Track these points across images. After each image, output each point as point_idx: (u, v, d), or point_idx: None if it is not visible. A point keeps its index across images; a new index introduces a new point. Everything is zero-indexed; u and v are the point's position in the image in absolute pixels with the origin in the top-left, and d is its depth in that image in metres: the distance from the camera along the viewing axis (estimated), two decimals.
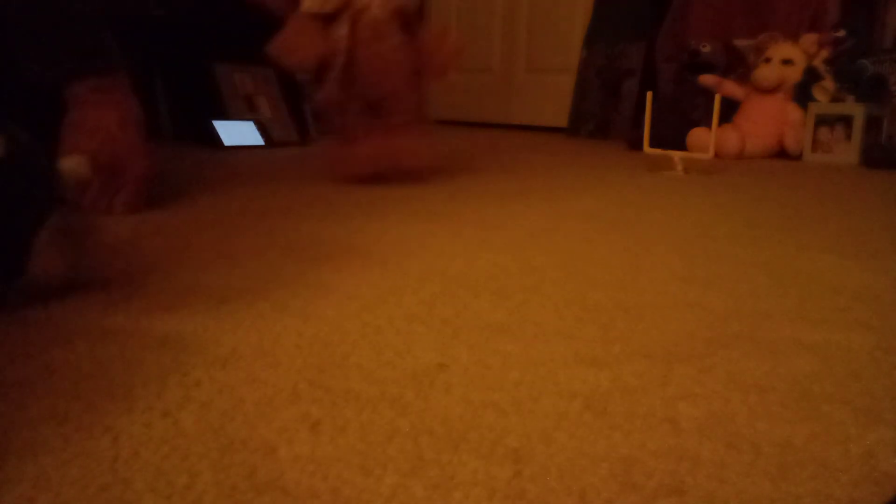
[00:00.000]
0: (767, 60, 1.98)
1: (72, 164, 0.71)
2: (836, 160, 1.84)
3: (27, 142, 0.52)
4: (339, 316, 0.51)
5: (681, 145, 1.87)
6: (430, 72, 1.19)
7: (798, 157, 1.93)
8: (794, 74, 1.95)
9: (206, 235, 0.78)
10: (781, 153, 1.98)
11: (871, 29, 1.96)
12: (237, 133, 1.83)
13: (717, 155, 1.79)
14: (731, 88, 2.05)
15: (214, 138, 1.80)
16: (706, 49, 2.10)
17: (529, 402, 0.37)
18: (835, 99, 1.88)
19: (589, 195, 1.15)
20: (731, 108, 2.02)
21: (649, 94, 1.56)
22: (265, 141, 1.87)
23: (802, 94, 1.93)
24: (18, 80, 0.85)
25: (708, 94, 2.00)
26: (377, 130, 1.15)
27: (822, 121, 1.87)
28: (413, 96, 1.20)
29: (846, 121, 1.83)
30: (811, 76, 1.92)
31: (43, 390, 0.37)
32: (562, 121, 2.75)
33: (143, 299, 0.54)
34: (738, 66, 2.11)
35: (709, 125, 1.70)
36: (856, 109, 1.82)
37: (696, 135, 1.91)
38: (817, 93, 1.90)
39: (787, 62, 1.96)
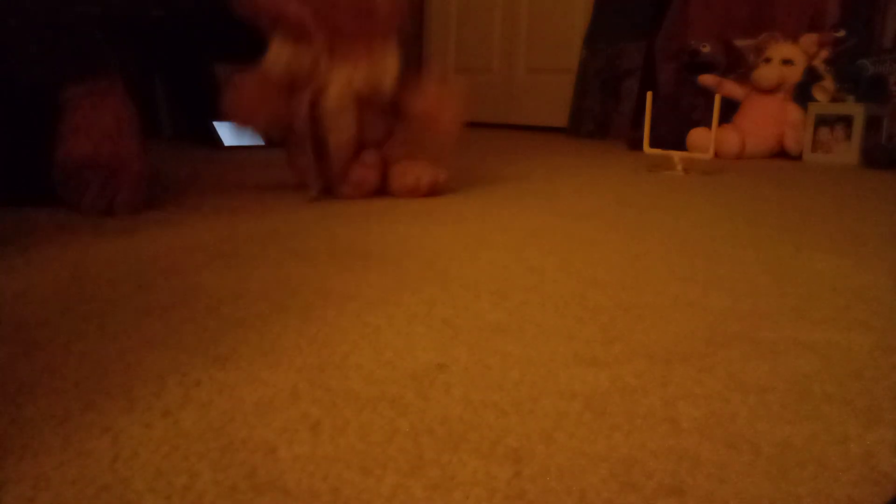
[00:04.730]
0: (767, 60, 1.98)
1: None
2: (836, 160, 1.84)
3: None
4: (339, 316, 0.51)
5: (681, 145, 1.87)
6: (438, 136, 1.09)
7: (798, 157, 1.93)
8: (794, 74, 1.95)
9: (205, 235, 0.78)
10: (781, 153, 1.98)
11: (871, 29, 1.96)
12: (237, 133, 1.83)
13: (717, 155, 1.79)
14: (731, 88, 2.05)
15: (214, 138, 1.80)
16: (706, 49, 2.10)
17: (529, 402, 0.37)
18: (835, 99, 1.88)
19: (589, 195, 1.15)
20: (731, 108, 2.02)
21: (649, 94, 1.56)
22: (265, 141, 1.87)
23: (802, 94, 1.93)
24: (14, 84, 0.85)
25: (708, 94, 2.01)
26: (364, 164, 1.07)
27: (822, 121, 1.87)
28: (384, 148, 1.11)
29: (846, 121, 1.83)
30: (811, 76, 1.92)
31: (43, 390, 0.37)
32: (562, 121, 2.75)
33: (142, 298, 0.54)
34: (738, 66, 2.11)
35: (709, 125, 1.70)
36: (856, 109, 1.82)
37: (696, 135, 1.91)
38: (817, 93, 1.90)
39: (787, 62, 1.96)
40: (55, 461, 0.30)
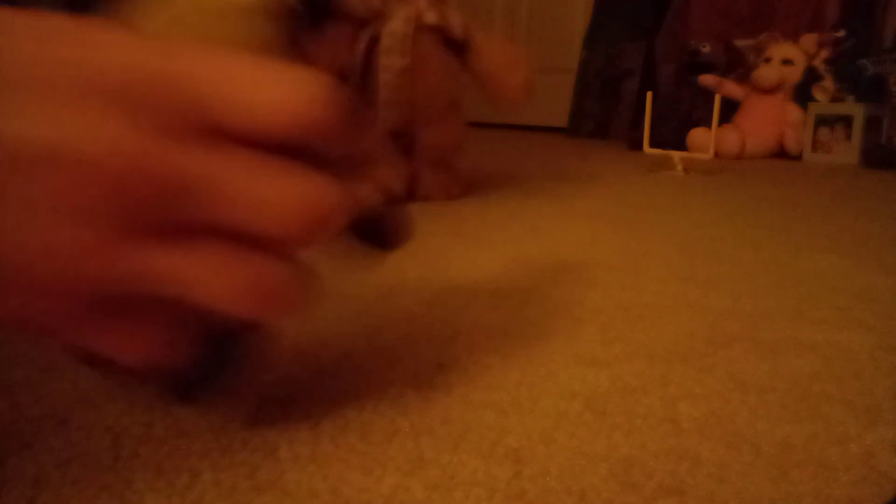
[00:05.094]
0: (767, 60, 1.98)
1: None
2: (836, 160, 1.84)
3: None
4: (338, 316, 0.51)
5: (681, 145, 1.87)
6: (499, 103, 1.03)
7: (798, 157, 1.94)
8: (794, 74, 1.95)
9: None
10: (781, 153, 1.98)
11: (871, 29, 1.96)
12: None
13: (717, 155, 1.79)
14: (731, 88, 2.06)
15: None
16: (706, 49, 2.10)
17: (529, 402, 0.37)
18: (835, 99, 1.88)
19: (589, 195, 1.15)
20: (731, 108, 2.02)
21: (649, 94, 1.56)
22: None
23: (802, 94, 1.93)
24: None
25: (708, 94, 2.01)
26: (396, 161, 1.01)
27: (822, 121, 1.87)
28: (443, 131, 1.04)
29: (846, 121, 1.83)
30: (811, 76, 1.92)
31: (43, 390, 0.37)
32: (562, 121, 2.75)
33: None
34: (738, 66, 2.11)
35: (709, 125, 1.71)
36: (856, 109, 1.82)
37: (696, 135, 1.91)
38: (817, 93, 1.90)
39: (787, 62, 1.96)
40: (55, 461, 0.30)
